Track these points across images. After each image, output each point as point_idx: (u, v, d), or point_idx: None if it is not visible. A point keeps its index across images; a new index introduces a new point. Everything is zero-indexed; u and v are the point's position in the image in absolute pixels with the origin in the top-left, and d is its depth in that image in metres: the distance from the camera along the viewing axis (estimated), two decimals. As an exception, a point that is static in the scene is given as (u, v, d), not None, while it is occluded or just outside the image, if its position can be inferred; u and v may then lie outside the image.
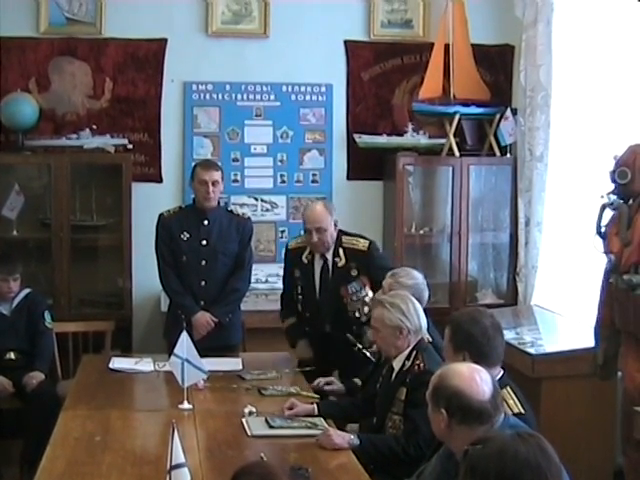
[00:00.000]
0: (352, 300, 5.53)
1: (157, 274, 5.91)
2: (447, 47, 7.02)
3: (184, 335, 4.69)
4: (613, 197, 4.88)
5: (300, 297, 5.68)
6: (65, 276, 6.66)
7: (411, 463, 4.07)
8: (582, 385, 5.39)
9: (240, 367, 5.46)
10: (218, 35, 7.04)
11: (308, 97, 7.18)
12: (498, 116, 7.03)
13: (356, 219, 7.23)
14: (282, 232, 7.19)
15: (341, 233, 5.57)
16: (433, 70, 7.01)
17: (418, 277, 5.08)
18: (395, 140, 7.14)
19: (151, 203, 6.67)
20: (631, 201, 4.81)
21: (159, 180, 7.06)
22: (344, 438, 4.11)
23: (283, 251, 6.07)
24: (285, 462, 3.83)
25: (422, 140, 7.16)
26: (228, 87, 7.08)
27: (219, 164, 6.08)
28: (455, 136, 7.05)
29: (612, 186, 4.87)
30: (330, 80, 7.20)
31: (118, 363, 5.49)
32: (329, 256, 5.55)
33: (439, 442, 3.41)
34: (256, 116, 7.13)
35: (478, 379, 3.06)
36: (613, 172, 4.83)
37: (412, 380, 4.27)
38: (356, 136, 7.13)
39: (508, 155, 7.11)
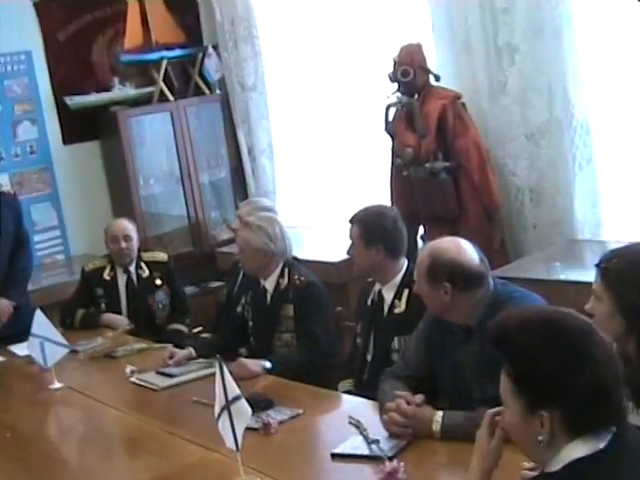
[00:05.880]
0: (159, 308, 5.57)
1: None
2: (139, -5, 7.03)
3: (38, 313, 4.45)
4: (399, 95, 5.26)
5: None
6: None
7: (315, 371, 4.26)
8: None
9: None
10: None
11: (9, 67, 6.83)
12: (201, 55, 7.15)
13: (79, 183, 7.09)
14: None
15: (139, 250, 5.62)
16: (132, 20, 7.00)
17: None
18: (105, 96, 7.04)
19: None
20: (416, 96, 5.22)
21: None
22: (257, 365, 4.14)
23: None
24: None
25: (130, 92, 7.11)
26: None
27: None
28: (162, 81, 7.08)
29: (394, 87, 5.26)
30: (28, 47, 6.90)
31: None
32: (132, 269, 5.55)
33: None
34: (-40, 95, 6.70)
35: (465, 247, 3.23)
36: (394, 73, 5.20)
37: (297, 295, 4.39)
38: (67, 99, 6.93)
39: (218, 91, 7.26)
